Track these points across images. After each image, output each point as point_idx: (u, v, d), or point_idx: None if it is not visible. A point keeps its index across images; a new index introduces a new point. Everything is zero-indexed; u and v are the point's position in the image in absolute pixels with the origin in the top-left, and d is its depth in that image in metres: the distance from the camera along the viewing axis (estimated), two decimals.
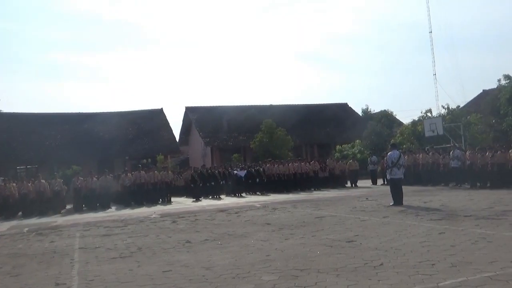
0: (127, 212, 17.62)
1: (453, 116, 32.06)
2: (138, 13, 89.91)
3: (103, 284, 5.93)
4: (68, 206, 21.36)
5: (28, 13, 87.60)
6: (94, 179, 21.45)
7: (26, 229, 13.34)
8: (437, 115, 32.90)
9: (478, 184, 18.99)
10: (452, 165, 20.51)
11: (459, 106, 35.69)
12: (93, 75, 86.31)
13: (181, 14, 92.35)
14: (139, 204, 20.98)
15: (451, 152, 21.16)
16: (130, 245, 9.17)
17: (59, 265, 7.50)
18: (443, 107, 34.26)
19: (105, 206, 20.58)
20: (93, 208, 20.25)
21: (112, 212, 18.43)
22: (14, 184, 20.14)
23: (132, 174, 22.39)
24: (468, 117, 31.87)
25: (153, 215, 15.45)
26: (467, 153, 20.18)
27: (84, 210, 20.24)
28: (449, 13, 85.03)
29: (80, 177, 21.66)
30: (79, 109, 66.25)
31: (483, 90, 43.87)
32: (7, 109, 37.75)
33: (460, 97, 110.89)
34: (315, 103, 47.10)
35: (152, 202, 21.45)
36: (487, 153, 18.76)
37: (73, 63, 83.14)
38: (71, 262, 7.73)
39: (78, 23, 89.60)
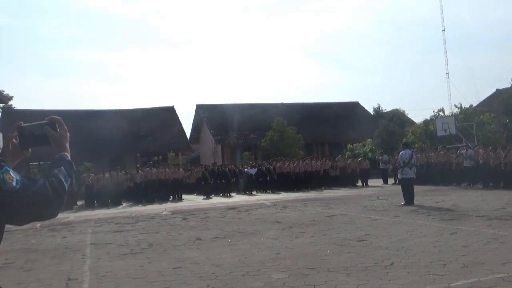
0: (138, 209, 17.74)
1: (465, 115, 31.75)
2: (151, 12, 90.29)
3: (114, 280, 5.98)
4: (80, 203, 21.55)
5: (40, 11, 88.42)
6: (106, 175, 21.62)
7: (39, 224, 13.45)
8: (450, 114, 32.61)
9: (491, 184, 18.80)
10: (464, 165, 20.33)
11: (472, 105, 35.35)
12: (105, 73, 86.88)
13: (193, 13, 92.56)
14: (150, 201, 21.09)
15: (463, 151, 20.97)
16: (141, 241, 9.23)
17: (71, 261, 7.57)
18: (456, 106, 33.96)
19: (116, 203, 20.74)
20: (104, 205, 20.41)
21: (123, 209, 18.56)
22: None
23: (143, 171, 22.53)
24: (481, 116, 31.54)
25: (164, 212, 15.53)
26: (480, 151, 19.98)
27: (95, 206, 20.42)
28: (462, 11, 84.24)
29: (91, 174, 21.86)
30: (91, 106, 66.92)
31: (497, 89, 43.41)
32: (20, 105, 38.14)
33: (473, 96, 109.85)
34: (326, 101, 47.00)
35: (163, 199, 21.56)
36: (501, 153, 18.55)
37: (85, 60, 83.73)
38: (82, 258, 7.80)
39: (90, 21, 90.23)
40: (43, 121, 1.81)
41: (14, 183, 1.48)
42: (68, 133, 1.82)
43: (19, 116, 36.94)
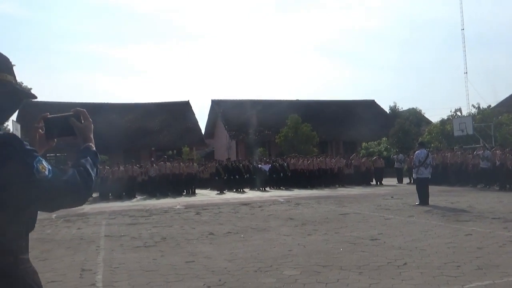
0: (152, 202, 17.87)
1: (483, 115, 31.32)
2: (167, 7, 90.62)
3: (127, 272, 6.03)
4: (95, 195, 21.76)
5: (61, 5, 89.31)
6: (121, 168, 21.81)
7: (54, 215, 13.64)
8: (467, 115, 32.22)
9: (508, 186, 18.54)
10: (481, 166, 20.08)
11: (490, 105, 34.85)
12: (122, 67, 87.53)
13: (209, 8, 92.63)
14: (164, 194, 21.24)
15: (480, 152, 20.71)
16: (155, 235, 9.30)
17: (85, 252, 7.66)
18: (474, 106, 33.51)
19: (130, 196, 20.92)
20: (118, 197, 20.60)
21: (137, 202, 18.71)
22: None
23: (157, 165, 22.68)
24: (500, 117, 31.09)
25: (178, 206, 15.62)
26: (497, 152, 19.71)
27: (110, 198, 20.61)
28: (482, 10, 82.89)
29: (106, 166, 22.08)
30: (108, 99, 67.44)
31: None
32: (38, 98, 38.61)
33: (491, 97, 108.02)
34: (342, 99, 46.79)
35: (177, 193, 21.70)
36: None
37: (104, 54, 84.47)
38: (96, 249, 7.88)
39: (106, 15, 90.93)
40: (69, 113, 1.86)
41: (46, 172, 1.56)
42: (92, 125, 1.89)
43: (35, 108, 37.36)
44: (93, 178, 1.71)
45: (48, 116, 1.88)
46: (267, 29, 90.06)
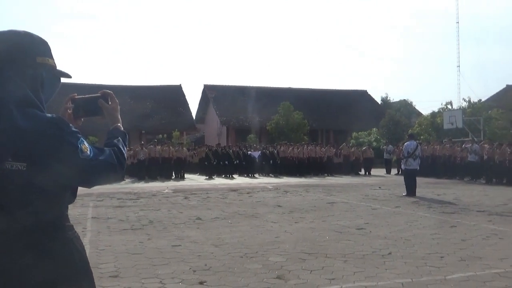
0: (140, 186, 17.84)
1: (473, 109, 31.58)
2: None
3: (113, 254, 6.03)
4: None
5: None
6: None
7: None
8: (458, 108, 32.44)
9: (494, 179, 18.76)
10: (469, 159, 20.26)
11: (480, 99, 35.13)
12: (115, 49, 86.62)
13: None
14: (153, 178, 21.21)
15: (469, 146, 20.88)
16: (142, 218, 9.29)
17: None
18: (464, 100, 33.79)
19: None
20: None
21: (126, 185, 18.64)
22: None
23: (147, 148, 22.61)
24: (490, 111, 31.36)
25: (166, 190, 15.61)
26: (486, 146, 19.90)
27: None
28: (478, 3, 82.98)
29: None
30: (99, 80, 66.74)
31: (507, 85, 43.03)
32: None
33: (482, 91, 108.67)
34: (334, 88, 46.81)
35: (166, 177, 21.67)
36: (506, 149, 18.46)
37: (94, 35, 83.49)
38: (83, 231, 7.85)
39: None
40: (97, 94, 1.95)
41: (88, 152, 1.66)
42: (119, 106, 1.98)
43: None
44: (125, 156, 1.81)
45: (76, 96, 1.94)
46: (262, 15, 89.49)
